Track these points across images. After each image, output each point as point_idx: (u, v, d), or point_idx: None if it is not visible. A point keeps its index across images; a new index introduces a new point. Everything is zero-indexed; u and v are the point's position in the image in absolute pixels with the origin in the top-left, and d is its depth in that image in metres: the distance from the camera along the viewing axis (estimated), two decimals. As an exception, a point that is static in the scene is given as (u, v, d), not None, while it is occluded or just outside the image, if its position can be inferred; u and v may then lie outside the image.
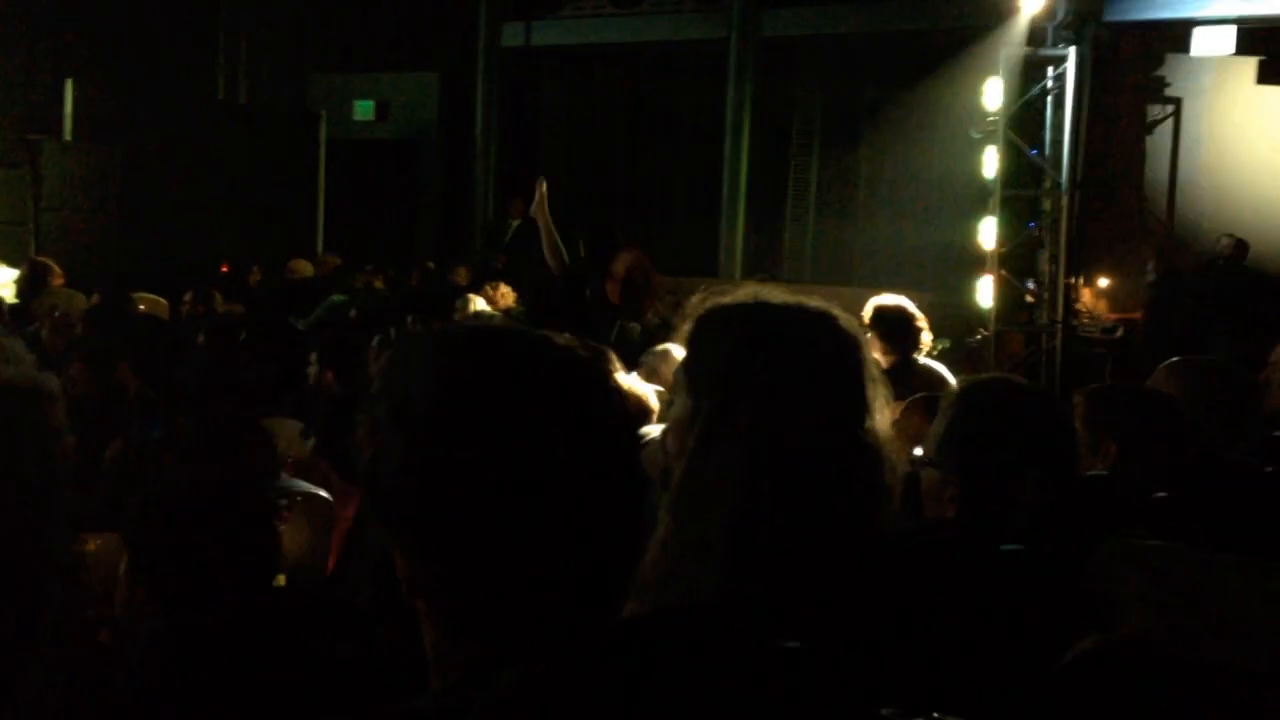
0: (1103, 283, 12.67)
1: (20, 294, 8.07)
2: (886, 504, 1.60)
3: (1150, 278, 11.28)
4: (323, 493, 3.52)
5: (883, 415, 1.62)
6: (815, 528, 1.52)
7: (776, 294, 1.69)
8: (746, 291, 1.69)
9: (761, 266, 14.02)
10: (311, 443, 3.87)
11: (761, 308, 1.65)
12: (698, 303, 1.71)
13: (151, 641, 1.75)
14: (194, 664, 1.70)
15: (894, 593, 1.53)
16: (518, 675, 1.00)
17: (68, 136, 12.25)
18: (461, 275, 12.10)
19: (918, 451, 2.28)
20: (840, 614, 1.46)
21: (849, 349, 1.63)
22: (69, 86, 12.26)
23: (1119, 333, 11.52)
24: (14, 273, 8.77)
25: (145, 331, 6.28)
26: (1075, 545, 1.93)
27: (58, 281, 8.43)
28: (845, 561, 1.51)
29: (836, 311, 1.68)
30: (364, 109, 15.75)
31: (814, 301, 1.68)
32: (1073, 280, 11.18)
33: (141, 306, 8.04)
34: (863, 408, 1.59)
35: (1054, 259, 10.84)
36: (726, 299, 1.69)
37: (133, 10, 14.10)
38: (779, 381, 1.55)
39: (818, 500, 1.53)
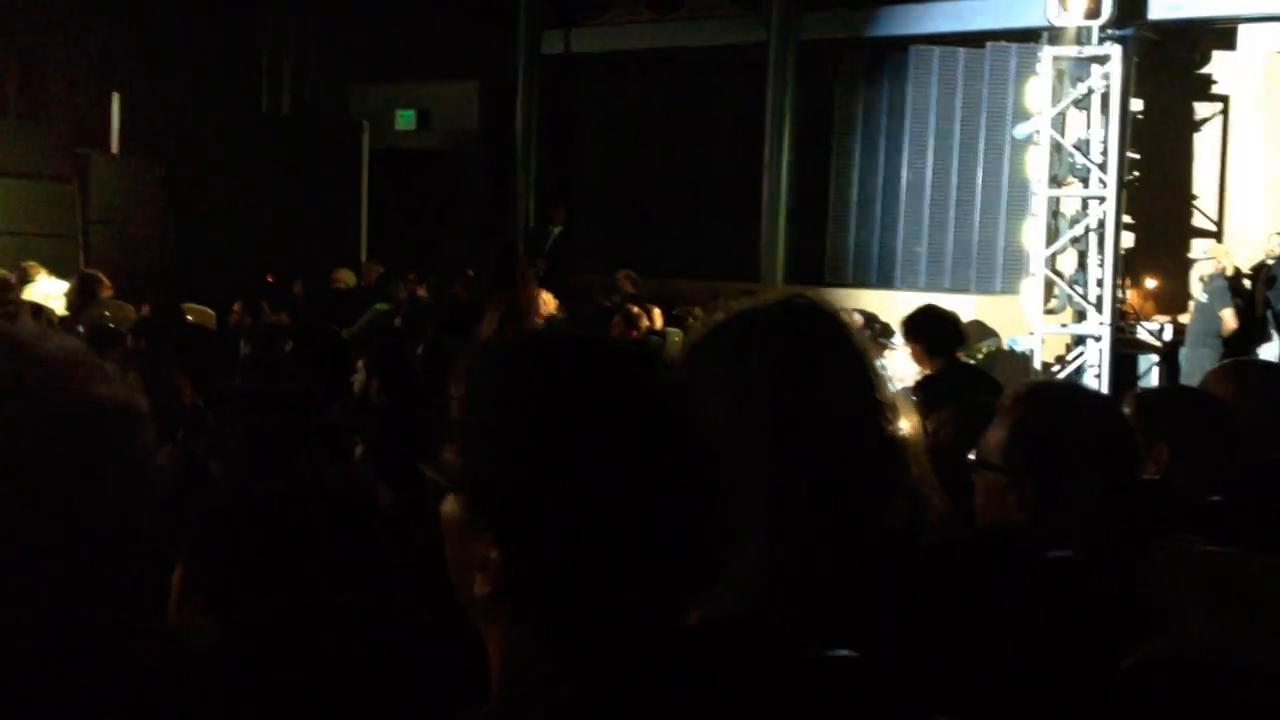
0: (1150, 284, 12.54)
1: (70, 306, 8.19)
2: (922, 498, 1.58)
3: (1203, 277, 11.15)
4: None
5: (895, 395, 1.61)
6: (846, 527, 1.51)
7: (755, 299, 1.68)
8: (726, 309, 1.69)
9: (803, 271, 13.99)
10: (359, 451, 3.90)
11: (741, 316, 1.64)
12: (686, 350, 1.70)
13: (206, 651, 1.76)
14: (249, 673, 1.71)
15: (947, 598, 1.51)
16: (569, 691, 1.02)
17: (115, 150, 12.42)
18: (504, 283, 12.13)
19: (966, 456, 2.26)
20: (889, 619, 1.45)
21: (832, 329, 1.61)
22: (116, 101, 12.43)
23: (1166, 333, 11.40)
24: (64, 285, 8.90)
25: (195, 342, 6.35)
26: (1129, 551, 1.91)
27: (106, 293, 8.55)
28: (891, 565, 1.50)
29: (807, 298, 1.66)
30: (406, 118, 15.86)
31: (775, 293, 1.67)
32: (1119, 281, 11.07)
33: (189, 317, 8.14)
34: (868, 384, 1.58)
35: (1100, 260, 10.74)
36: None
37: (178, 25, 14.28)
38: (775, 375, 1.54)
39: (842, 495, 1.52)
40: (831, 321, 1.61)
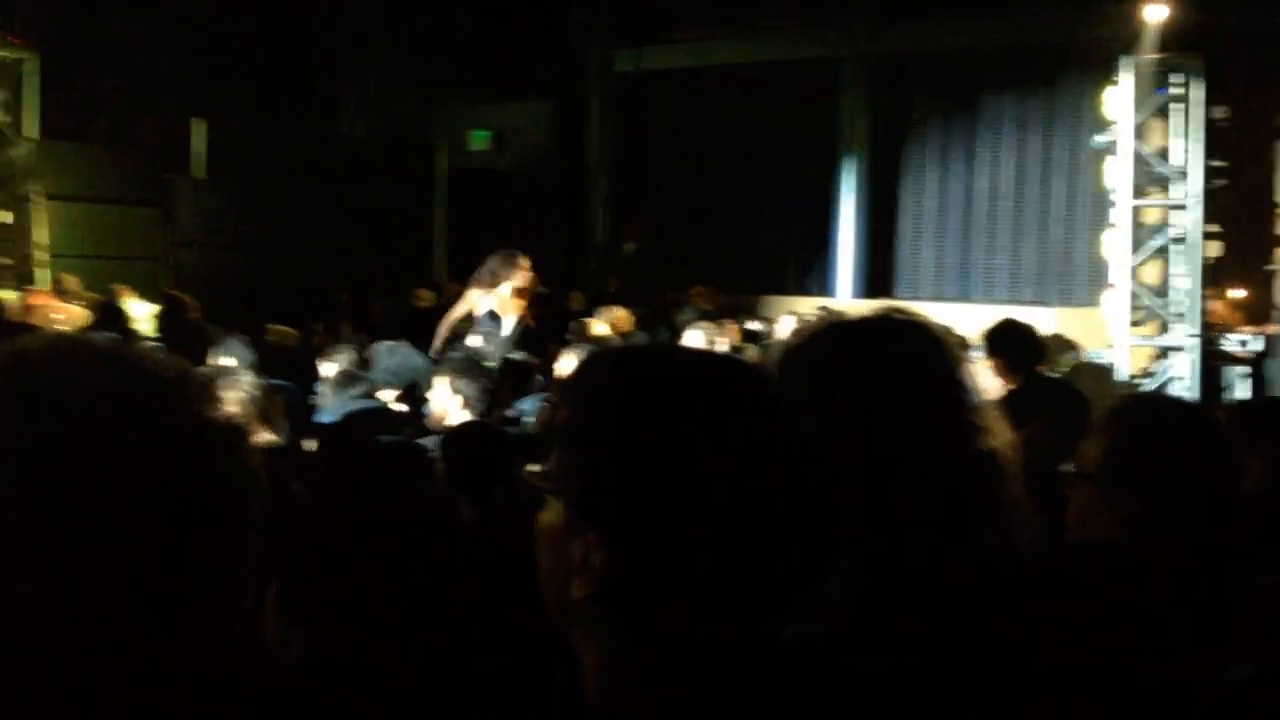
0: (1236, 294, 12.26)
1: (159, 328, 8.37)
2: (1014, 512, 1.56)
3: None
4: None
5: (990, 412, 1.59)
6: (940, 544, 1.49)
7: (848, 313, 1.68)
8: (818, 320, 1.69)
9: (878, 284, 13.90)
10: (442, 468, 3.94)
11: (825, 331, 1.64)
12: (774, 355, 1.71)
13: (298, 668, 1.79)
14: (341, 691, 1.74)
15: (1046, 613, 1.49)
16: (665, 699, 1.03)
17: (198, 174, 12.69)
18: (577, 300, 12.22)
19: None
20: (986, 635, 1.43)
21: (928, 344, 1.60)
22: (199, 127, 12.70)
23: (1255, 344, 11.13)
24: (152, 307, 9.10)
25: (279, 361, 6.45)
26: (1230, 564, 1.87)
27: (192, 315, 8.73)
28: (988, 580, 1.48)
29: (904, 312, 1.65)
30: (480, 139, 16.00)
31: (876, 309, 1.66)
32: (1204, 292, 10.85)
33: (272, 337, 8.28)
34: (963, 402, 1.56)
35: (1185, 270, 10.54)
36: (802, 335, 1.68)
37: (257, 50, 14.56)
38: (865, 387, 1.53)
39: (936, 512, 1.50)
40: (928, 337, 1.60)
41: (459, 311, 8.71)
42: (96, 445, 0.81)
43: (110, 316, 7.93)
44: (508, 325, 8.65)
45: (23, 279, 11.50)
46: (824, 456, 1.12)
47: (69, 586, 0.80)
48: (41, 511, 0.79)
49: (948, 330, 1.66)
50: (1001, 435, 1.56)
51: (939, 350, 1.59)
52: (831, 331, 1.62)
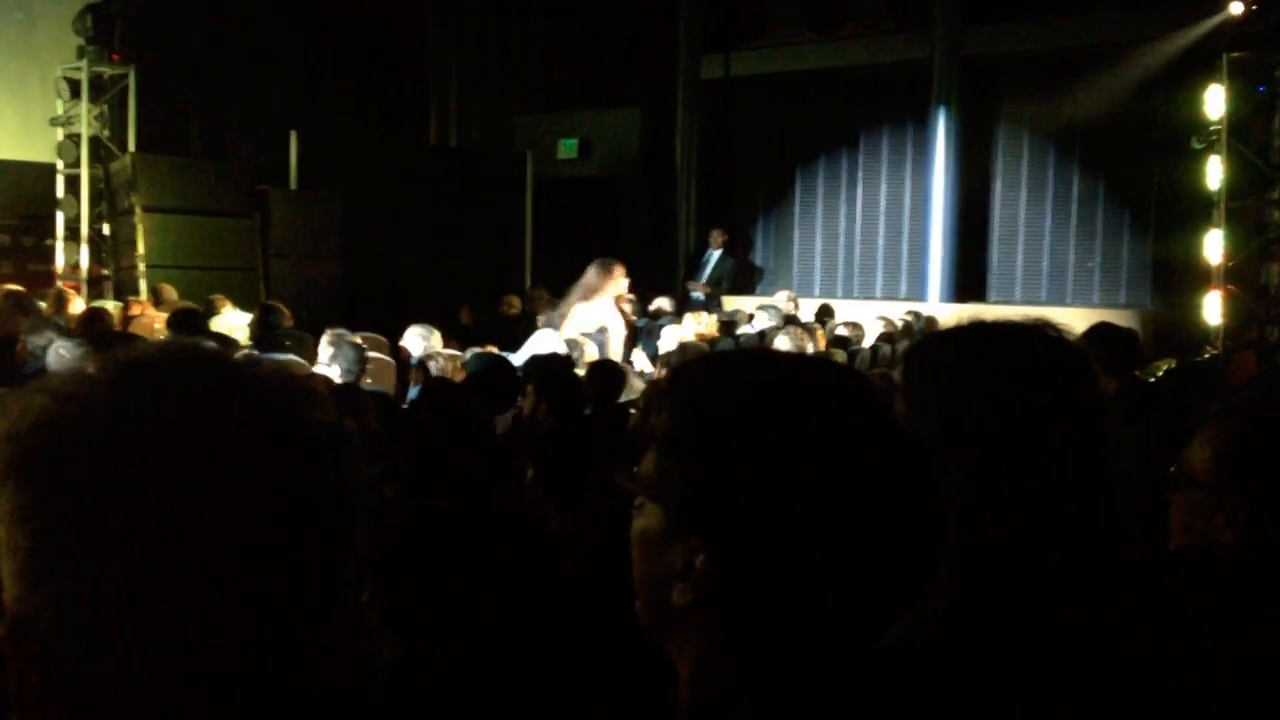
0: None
1: (253, 337, 8.52)
2: (1126, 520, 1.54)
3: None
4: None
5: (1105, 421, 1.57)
6: (1056, 547, 1.47)
7: (988, 315, 1.67)
8: (964, 318, 1.67)
9: (970, 288, 13.71)
10: (530, 474, 3.95)
11: (974, 328, 1.62)
12: (910, 348, 1.70)
13: (390, 670, 1.81)
14: (432, 691, 1.75)
15: (1161, 619, 1.45)
16: (765, 707, 1.01)
17: (293, 185, 12.93)
18: (664, 306, 12.20)
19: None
20: (1088, 644, 1.40)
21: (1071, 359, 1.58)
22: (293, 138, 12.96)
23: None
24: (248, 316, 9.26)
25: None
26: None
27: (287, 324, 8.88)
28: (1097, 582, 1.45)
29: (1052, 325, 1.64)
30: (568, 147, 16.10)
31: (1021, 318, 1.64)
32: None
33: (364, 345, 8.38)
34: (1096, 421, 1.54)
35: (1287, 270, 10.26)
36: (940, 331, 1.67)
37: (350, 63, 14.82)
38: (1002, 398, 1.51)
39: (1054, 518, 1.48)
40: (1076, 356, 1.59)
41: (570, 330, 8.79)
42: (210, 449, 0.82)
43: (193, 322, 8.06)
44: (616, 331, 8.73)
45: (122, 289, 11.81)
46: (934, 459, 1.09)
47: (181, 592, 0.80)
48: (156, 515, 0.80)
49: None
50: (1108, 443, 1.54)
51: (1081, 365, 1.57)
52: (976, 332, 1.60)
